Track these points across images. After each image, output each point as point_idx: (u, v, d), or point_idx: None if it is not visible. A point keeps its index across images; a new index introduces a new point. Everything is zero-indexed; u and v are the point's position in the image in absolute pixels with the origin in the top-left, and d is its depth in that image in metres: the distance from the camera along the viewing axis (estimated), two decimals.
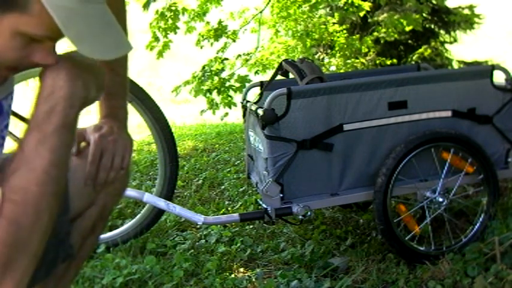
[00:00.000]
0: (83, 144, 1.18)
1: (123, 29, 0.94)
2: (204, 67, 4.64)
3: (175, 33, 4.72)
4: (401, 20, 5.91)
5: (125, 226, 2.18)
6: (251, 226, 2.28)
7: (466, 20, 7.04)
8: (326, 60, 6.84)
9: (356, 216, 2.32)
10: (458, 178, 1.88)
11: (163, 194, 2.14)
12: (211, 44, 4.87)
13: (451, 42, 7.26)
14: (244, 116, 2.13)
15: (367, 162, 1.83)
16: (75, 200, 1.09)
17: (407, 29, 6.00)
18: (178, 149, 2.39)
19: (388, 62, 6.67)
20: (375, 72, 2.55)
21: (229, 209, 2.57)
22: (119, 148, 1.17)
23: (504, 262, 1.66)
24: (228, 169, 3.29)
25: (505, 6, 14.32)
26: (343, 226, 2.24)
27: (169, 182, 2.16)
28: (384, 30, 6.38)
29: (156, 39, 4.77)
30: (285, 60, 2.07)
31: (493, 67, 1.91)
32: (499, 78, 1.93)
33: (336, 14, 6.50)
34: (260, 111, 1.73)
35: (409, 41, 7.13)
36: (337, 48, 6.30)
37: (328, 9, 6.99)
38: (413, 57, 6.78)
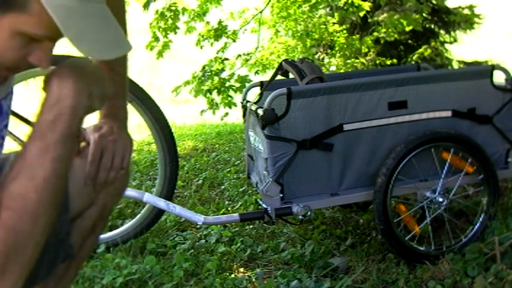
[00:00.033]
0: (83, 144, 1.18)
1: (122, 28, 0.94)
2: (204, 67, 4.64)
3: (175, 33, 4.72)
4: (401, 20, 5.91)
5: (125, 226, 2.18)
6: (251, 226, 2.28)
7: (466, 20, 7.04)
8: (326, 60, 6.84)
9: (356, 216, 2.32)
10: (458, 178, 1.88)
11: (163, 194, 2.14)
12: (211, 44, 4.87)
13: (451, 42, 7.26)
14: (244, 116, 2.13)
15: (367, 162, 1.83)
16: (75, 200, 1.09)
17: (407, 29, 6.00)
18: (178, 149, 2.39)
19: (388, 62, 6.66)
20: (375, 72, 2.55)
21: (229, 209, 2.57)
22: (119, 148, 1.17)
23: (504, 262, 1.66)
24: (228, 169, 3.29)
25: (505, 6, 14.32)
26: (343, 226, 2.24)
27: (169, 182, 2.16)
28: (383, 30, 6.38)
29: (156, 39, 4.77)
30: (285, 60, 2.07)
31: (493, 67, 1.91)
32: (499, 78, 1.93)
33: (336, 14, 6.50)
34: (260, 111, 1.73)
35: (409, 41, 7.13)
36: (337, 48, 6.30)
37: (328, 9, 6.99)
38: (413, 57, 6.78)
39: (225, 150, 3.91)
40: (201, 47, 4.91)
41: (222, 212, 2.52)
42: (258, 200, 2.14)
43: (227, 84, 4.44)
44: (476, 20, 7.10)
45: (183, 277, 1.82)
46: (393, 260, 1.86)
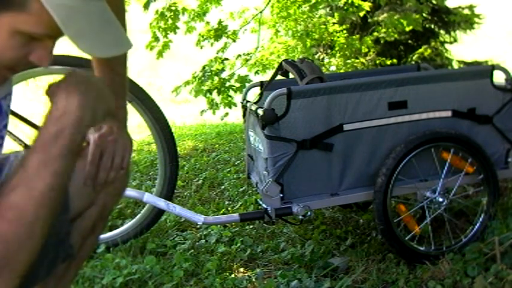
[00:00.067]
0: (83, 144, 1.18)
1: (122, 27, 0.94)
2: (204, 67, 4.64)
3: (175, 33, 4.72)
4: (402, 20, 5.90)
5: (125, 226, 2.18)
6: (251, 226, 2.28)
7: (466, 20, 7.04)
8: (326, 60, 6.84)
9: (356, 216, 2.32)
10: (458, 178, 1.88)
11: (163, 194, 2.14)
12: (212, 44, 4.87)
13: (451, 42, 7.26)
14: (244, 116, 2.13)
15: (367, 162, 1.83)
16: (75, 200, 1.09)
17: (407, 29, 6.00)
18: (178, 149, 2.39)
19: (388, 62, 6.66)
20: (375, 72, 2.55)
21: (229, 209, 2.57)
22: (118, 148, 1.17)
23: (504, 262, 1.66)
24: (228, 169, 3.29)
25: (505, 6, 14.32)
26: (343, 226, 2.24)
27: (169, 182, 2.16)
28: (383, 30, 6.38)
29: (156, 39, 4.77)
30: (285, 60, 2.07)
31: (493, 67, 1.91)
32: (499, 78, 1.93)
33: (336, 14, 6.50)
34: (260, 111, 1.73)
35: (409, 41, 7.13)
36: (337, 48, 6.29)
37: (328, 9, 6.99)
38: (413, 57, 6.77)
39: (225, 150, 3.91)
40: (201, 47, 4.91)
41: (222, 212, 2.52)
42: (258, 200, 2.14)
43: (227, 84, 4.44)
44: (476, 20, 7.10)
45: (183, 277, 1.82)
46: (393, 260, 1.86)
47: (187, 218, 1.95)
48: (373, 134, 1.81)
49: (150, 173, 3.27)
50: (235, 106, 4.38)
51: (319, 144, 1.76)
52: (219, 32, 4.83)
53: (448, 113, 1.87)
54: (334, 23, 6.39)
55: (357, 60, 6.55)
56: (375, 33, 6.69)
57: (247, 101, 2.10)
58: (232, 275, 1.86)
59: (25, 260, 0.79)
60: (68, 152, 0.83)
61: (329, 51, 6.84)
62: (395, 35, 6.30)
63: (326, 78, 1.98)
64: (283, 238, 2.16)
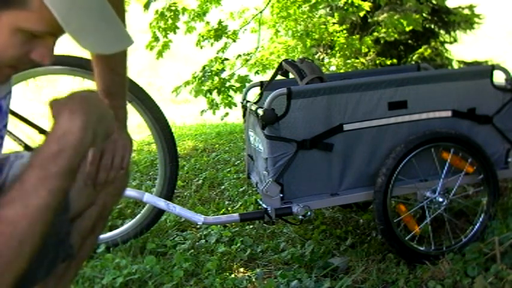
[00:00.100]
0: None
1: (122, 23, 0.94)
2: (204, 67, 4.64)
3: (175, 33, 4.72)
4: (402, 20, 5.90)
5: (125, 226, 2.18)
6: (251, 226, 2.28)
7: (466, 20, 7.03)
8: (326, 60, 6.83)
9: (356, 216, 2.32)
10: (458, 178, 1.88)
11: (163, 194, 2.14)
12: (212, 44, 4.87)
13: (451, 42, 7.26)
14: (244, 116, 2.13)
15: (367, 162, 1.83)
16: (75, 200, 1.10)
17: (407, 29, 6.00)
18: (178, 149, 2.39)
19: (388, 62, 6.66)
20: (375, 72, 2.55)
21: (229, 209, 2.57)
22: (118, 148, 1.17)
23: (504, 262, 1.66)
24: (228, 169, 3.29)
25: (505, 6, 14.31)
26: (343, 226, 2.24)
27: (169, 182, 2.16)
28: (383, 30, 6.37)
29: (156, 39, 4.77)
30: (285, 60, 2.07)
31: (493, 67, 1.91)
32: (499, 78, 1.93)
33: (336, 14, 6.50)
34: (260, 111, 1.73)
35: (409, 41, 7.12)
36: (337, 48, 6.29)
37: (328, 9, 6.98)
38: (413, 57, 6.77)
39: (225, 150, 3.91)
40: (201, 47, 4.91)
41: (222, 212, 2.52)
42: (258, 200, 2.14)
43: (227, 84, 4.44)
44: (476, 20, 7.10)
45: (183, 277, 1.82)
46: (393, 260, 1.86)
47: (187, 218, 1.95)
48: (373, 134, 1.81)
49: (150, 173, 3.27)
50: (235, 106, 4.38)
51: (319, 144, 1.76)
52: (219, 32, 4.83)
53: (448, 113, 1.87)
54: (334, 23, 6.39)
55: (357, 60, 6.54)
56: (375, 33, 6.69)
57: (247, 101, 2.10)
58: (232, 275, 1.86)
59: (13, 275, 0.80)
60: (67, 171, 0.84)
61: (329, 51, 6.84)
62: (395, 35, 6.30)
63: (326, 78, 1.98)
64: (283, 238, 2.16)
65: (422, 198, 1.87)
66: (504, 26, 15.26)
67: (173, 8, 4.63)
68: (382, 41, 6.70)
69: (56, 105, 0.88)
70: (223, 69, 4.61)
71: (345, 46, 6.18)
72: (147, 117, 2.10)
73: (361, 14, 5.85)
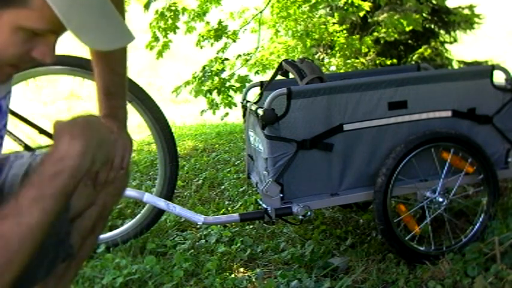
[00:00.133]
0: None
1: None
2: (204, 67, 4.64)
3: (175, 33, 4.71)
4: (402, 20, 5.90)
5: (125, 226, 2.18)
6: (251, 226, 2.28)
7: (466, 20, 7.03)
8: (326, 60, 6.83)
9: (356, 216, 2.32)
10: (458, 178, 1.88)
11: (163, 194, 2.14)
12: (212, 44, 4.87)
13: (451, 42, 7.25)
14: (244, 116, 2.13)
15: (367, 162, 1.83)
16: (75, 200, 1.09)
17: (407, 29, 6.00)
18: (178, 149, 2.39)
19: (388, 62, 6.66)
20: (375, 72, 2.55)
21: (229, 209, 2.57)
22: (118, 148, 1.17)
23: (504, 262, 1.66)
24: (228, 169, 3.29)
25: (505, 6, 14.31)
26: (343, 226, 2.24)
27: (169, 182, 2.16)
28: (383, 30, 6.37)
29: (156, 39, 4.77)
30: (285, 60, 2.07)
31: (493, 67, 1.91)
32: (499, 78, 1.93)
33: (336, 14, 6.50)
34: (260, 111, 1.73)
35: (409, 41, 7.12)
36: (337, 48, 6.29)
37: (328, 9, 6.98)
38: (413, 57, 6.77)
39: (225, 150, 3.91)
40: (201, 47, 4.91)
41: (222, 212, 2.52)
42: (258, 200, 2.14)
43: (227, 84, 4.43)
44: (476, 20, 7.10)
45: (183, 277, 1.82)
46: (393, 260, 1.86)
47: (187, 218, 1.95)
48: (373, 134, 1.81)
49: (150, 173, 3.27)
50: (235, 106, 4.38)
51: (319, 144, 1.76)
52: (219, 32, 4.83)
53: (448, 113, 1.87)
54: (334, 23, 6.39)
55: (357, 60, 6.54)
56: (375, 33, 6.69)
57: (247, 101, 2.10)
58: (232, 275, 1.86)
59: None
60: (62, 194, 0.85)
61: (329, 51, 6.83)
62: (395, 35, 6.30)
63: (326, 78, 1.98)
64: (283, 238, 2.16)
65: (422, 198, 1.87)
66: (504, 26, 15.25)
67: (173, 8, 4.63)
68: (382, 41, 6.70)
69: (58, 128, 0.89)
70: (223, 69, 4.61)
71: (345, 46, 6.18)
72: (147, 117, 2.10)
73: (361, 14, 5.85)
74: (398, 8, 6.33)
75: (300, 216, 1.76)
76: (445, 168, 1.85)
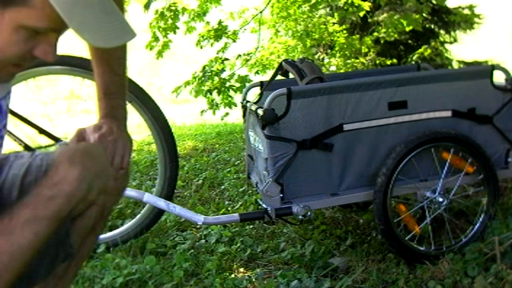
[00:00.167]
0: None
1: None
2: (204, 67, 4.64)
3: (175, 33, 4.71)
4: (402, 20, 5.89)
5: (125, 226, 2.18)
6: (251, 226, 2.28)
7: (466, 20, 7.03)
8: (326, 60, 6.83)
9: (356, 216, 2.32)
10: (458, 178, 1.88)
11: (163, 194, 2.14)
12: (212, 44, 4.86)
13: (451, 42, 7.25)
14: (244, 116, 2.13)
15: (367, 162, 1.83)
16: None
17: (407, 29, 5.99)
18: (178, 149, 2.39)
19: (388, 62, 6.65)
20: (374, 72, 2.55)
21: (229, 209, 2.57)
22: (118, 148, 1.17)
23: (504, 262, 1.66)
24: (228, 169, 3.29)
25: (505, 6, 14.31)
26: (343, 226, 2.24)
27: (169, 182, 2.16)
28: (383, 30, 6.37)
29: (156, 39, 4.76)
30: (285, 60, 2.07)
31: (493, 67, 1.91)
32: (499, 78, 1.93)
33: (336, 14, 6.49)
34: (260, 111, 1.73)
35: (409, 41, 7.12)
36: (337, 48, 6.29)
37: (328, 9, 6.98)
38: (413, 57, 6.76)
39: (225, 150, 3.91)
40: (201, 47, 4.91)
41: (222, 212, 2.52)
42: (258, 200, 2.14)
43: (227, 84, 4.43)
44: (476, 20, 7.09)
45: (183, 277, 1.82)
46: (393, 260, 1.86)
47: (187, 218, 1.95)
48: (373, 134, 1.81)
49: (150, 173, 3.27)
50: (235, 106, 4.38)
51: (319, 144, 1.76)
52: (219, 32, 4.82)
53: (448, 113, 1.87)
54: (334, 23, 6.38)
55: (357, 60, 6.54)
56: (375, 33, 6.68)
57: (247, 101, 2.10)
58: (232, 275, 1.86)
59: None
60: (55, 218, 0.86)
61: (329, 51, 6.83)
62: (396, 35, 6.29)
63: (326, 78, 1.98)
64: (283, 238, 2.16)
65: (422, 198, 1.87)
66: (504, 26, 15.26)
67: (173, 8, 4.62)
68: (382, 41, 6.70)
69: (59, 153, 0.91)
70: (223, 69, 4.61)
71: (345, 46, 6.18)
72: (147, 117, 2.10)
73: (361, 14, 5.84)
74: (398, 8, 6.33)
75: (300, 216, 1.76)
76: (445, 168, 1.85)
